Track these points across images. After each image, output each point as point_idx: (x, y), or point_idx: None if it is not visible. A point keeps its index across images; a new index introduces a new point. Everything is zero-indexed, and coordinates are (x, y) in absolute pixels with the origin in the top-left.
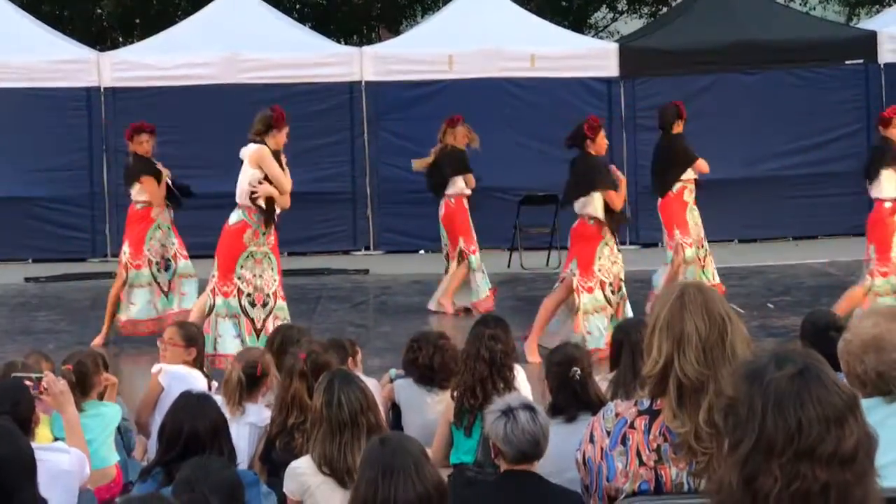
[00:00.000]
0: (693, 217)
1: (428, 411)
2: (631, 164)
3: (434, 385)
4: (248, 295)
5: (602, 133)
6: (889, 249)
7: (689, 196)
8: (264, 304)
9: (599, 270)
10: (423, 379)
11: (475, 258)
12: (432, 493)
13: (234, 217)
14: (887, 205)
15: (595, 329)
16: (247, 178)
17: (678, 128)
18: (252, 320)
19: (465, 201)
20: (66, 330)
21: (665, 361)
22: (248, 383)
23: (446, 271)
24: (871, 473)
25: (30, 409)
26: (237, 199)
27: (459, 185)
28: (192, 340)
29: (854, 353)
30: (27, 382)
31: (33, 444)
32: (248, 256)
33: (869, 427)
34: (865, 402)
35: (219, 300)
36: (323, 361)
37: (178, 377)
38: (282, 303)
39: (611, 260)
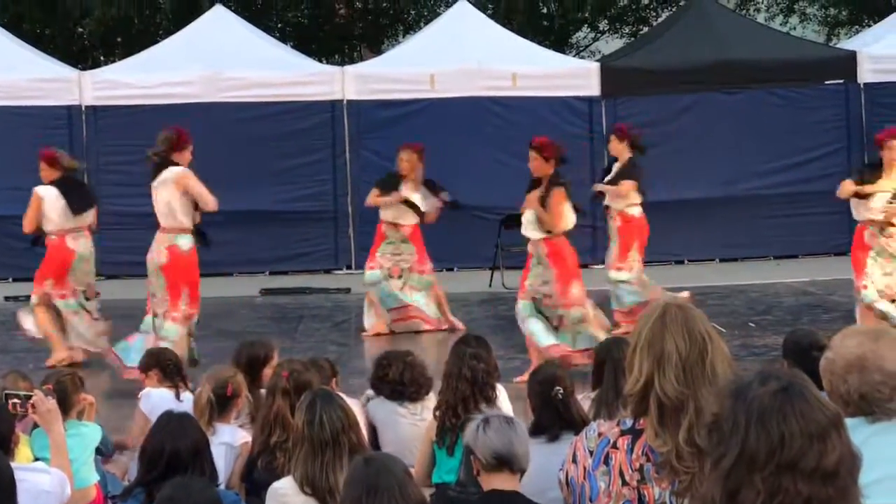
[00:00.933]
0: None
1: (401, 424)
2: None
3: (405, 398)
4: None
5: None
6: None
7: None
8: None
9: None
10: (394, 394)
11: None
12: None
13: (186, 244)
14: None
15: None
16: (173, 200)
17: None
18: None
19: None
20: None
21: (646, 380)
22: (219, 403)
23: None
24: (853, 490)
25: (9, 428)
26: (169, 223)
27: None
28: (146, 367)
29: (837, 373)
30: (14, 401)
31: (13, 464)
32: None
33: (853, 445)
34: (848, 422)
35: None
36: (305, 380)
37: (160, 399)
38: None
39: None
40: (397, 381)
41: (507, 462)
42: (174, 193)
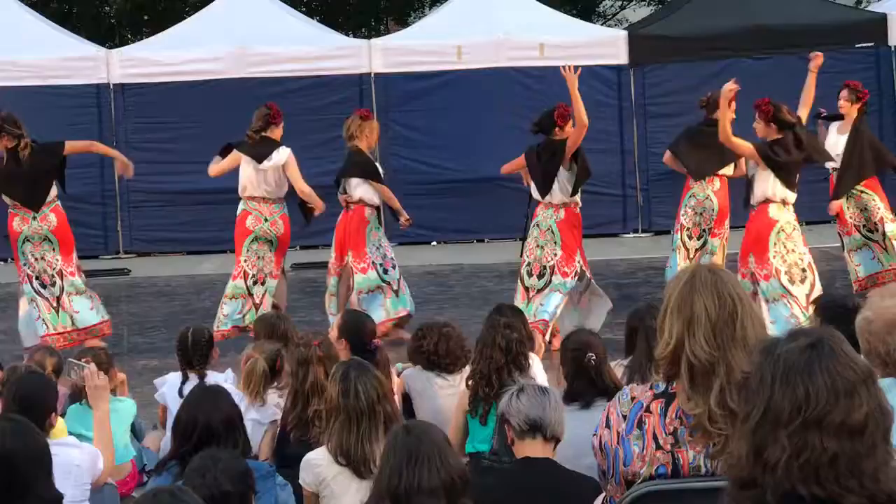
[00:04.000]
0: (694, 205)
1: (438, 395)
2: (642, 151)
3: (441, 370)
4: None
5: (570, 122)
6: None
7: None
8: (263, 283)
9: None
10: (430, 364)
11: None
12: (456, 480)
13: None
14: None
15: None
16: (280, 175)
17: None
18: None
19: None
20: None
21: (676, 343)
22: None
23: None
24: (882, 447)
25: (53, 403)
26: (276, 195)
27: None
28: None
29: (876, 333)
30: (76, 370)
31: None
32: (253, 240)
33: (885, 402)
34: (885, 382)
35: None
36: (334, 352)
37: (168, 385)
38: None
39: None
40: (432, 351)
41: (539, 428)
42: (280, 170)
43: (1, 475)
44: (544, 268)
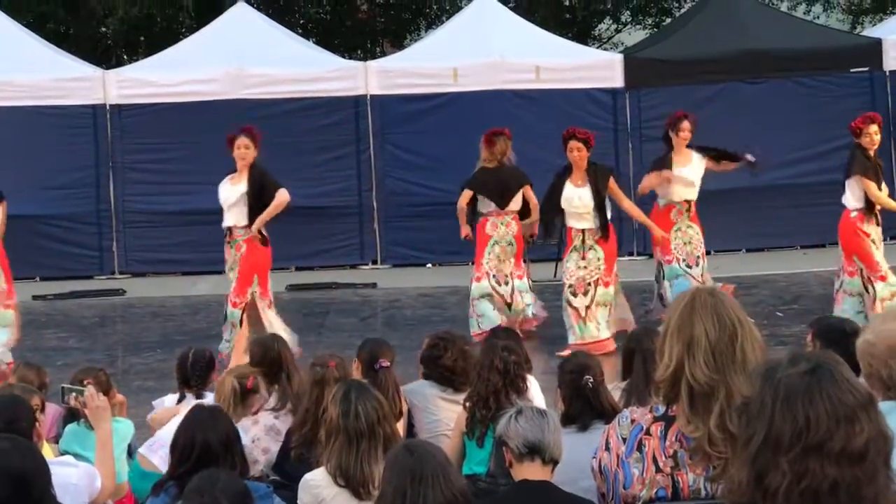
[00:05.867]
0: (681, 236)
1: (440, 410)
2: (637, 175)
3: (450, 386)
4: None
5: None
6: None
7: (677, 216)
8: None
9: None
10: (442, 379)
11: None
12: (459, 498)
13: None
14: (853, 214)
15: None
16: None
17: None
18: None
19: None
20: (75, 347)
21: (676, 366)
22: (242, 395)
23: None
24: (883, 472)
25: (29, 426)
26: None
27: None
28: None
29: (878, 357)
30: (73, 395)
31: None
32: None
33: (885, 428)
34: (887, 405)
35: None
36: (349, 372)
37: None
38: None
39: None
40: (449, 367)
41: (538, 451)
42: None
43: (18, 494)
44: (588, 284)
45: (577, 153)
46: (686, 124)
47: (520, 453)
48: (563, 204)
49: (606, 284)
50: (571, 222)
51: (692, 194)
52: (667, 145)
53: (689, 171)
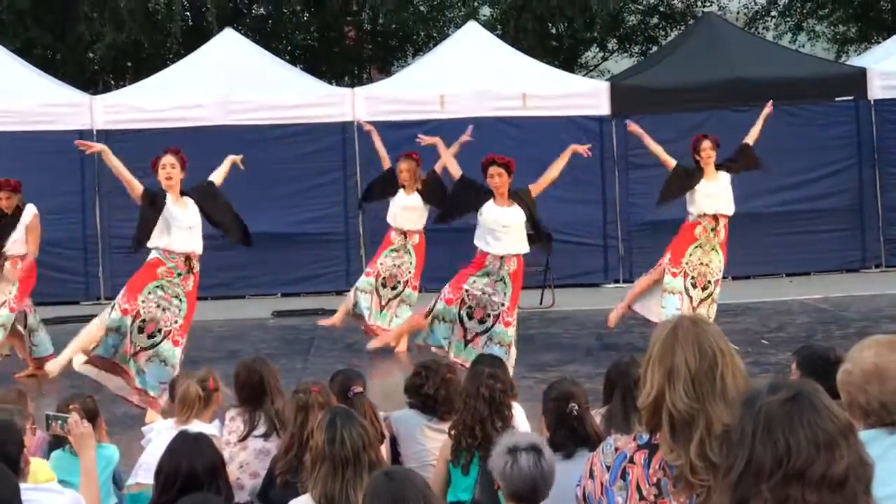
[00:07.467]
0: (701, 255)
1: (426, 439)
2: (623, 202)
3: (434, 415)
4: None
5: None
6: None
7: (702, 232)
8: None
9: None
10: (425, 408)
11: None
12: None
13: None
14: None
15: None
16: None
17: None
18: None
19: None
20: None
21: (657, 394)
22: (206, 398)
23: None
24: (863, 499)
25: (17, 450)
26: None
27: None
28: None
29: (856, 384)
30: (58, 423)
31: (27, 485)
32: (157, 287)
33: (865, 454)
34: (868, 434)
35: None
36: (332, 397)
37: (156, 432)
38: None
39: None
40: (431, 395)
41: (532, 499)
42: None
43: None
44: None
45: (498, 178)
46: (707, 143)
47: (511, 495)
48: (481, 220)
49: (507, 325)
50: (486, 243)
51: (718, 207)
52: (698, 168)
53: (714, 186)
